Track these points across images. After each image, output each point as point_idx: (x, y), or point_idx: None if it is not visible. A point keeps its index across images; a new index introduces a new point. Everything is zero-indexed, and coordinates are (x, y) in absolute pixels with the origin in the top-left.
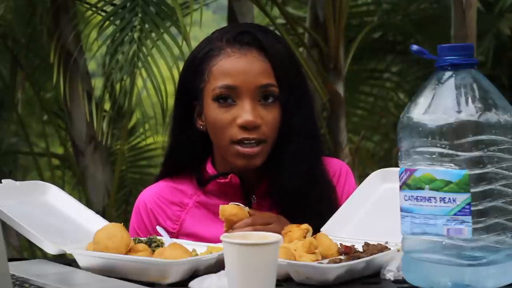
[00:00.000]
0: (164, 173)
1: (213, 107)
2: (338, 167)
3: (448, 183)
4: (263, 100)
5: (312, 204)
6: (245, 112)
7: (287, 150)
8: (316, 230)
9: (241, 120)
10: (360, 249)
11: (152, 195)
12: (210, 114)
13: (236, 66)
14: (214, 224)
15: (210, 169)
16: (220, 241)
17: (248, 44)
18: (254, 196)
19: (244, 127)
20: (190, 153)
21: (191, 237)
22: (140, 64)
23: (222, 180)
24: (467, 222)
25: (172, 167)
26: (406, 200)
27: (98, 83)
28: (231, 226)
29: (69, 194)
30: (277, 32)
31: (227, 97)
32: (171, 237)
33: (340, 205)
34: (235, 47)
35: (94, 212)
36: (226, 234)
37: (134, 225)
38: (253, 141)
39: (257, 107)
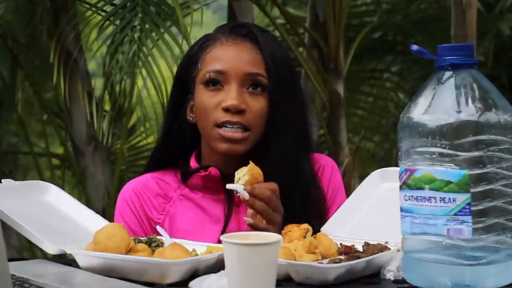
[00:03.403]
0: (151, 165)
1: (202, 91)
2: (323, 162)
3: (448, 183)
4: (251, 88)
5: (297, 200)
6: (230, 96)
7: (272, 143)
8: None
9: (225, 103)
10: (360, 249)
11: (138, 186)
12: (198, 99)
13: (227, 53)
14: (198, 217)
15: (193, 163)
16: (204, 235)
17: (243, 36)
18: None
19: (228, 110)
20: (178, 146)
21: (176, 231)
22: (140, 64)
23: (203, 173)
24: (467, 222)
25: (159, 158)
26: (406, 200)
27: (98, 83)
28: (252, 183)
29: (69, 194)
30: (277, 32)
31: (215, 82)
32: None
33: (327, 201)
34: (229, 37)
35: (94, 212)
36: (226, 234)
37: (120, 213)
38: (236, 126)
39: (243, 94)
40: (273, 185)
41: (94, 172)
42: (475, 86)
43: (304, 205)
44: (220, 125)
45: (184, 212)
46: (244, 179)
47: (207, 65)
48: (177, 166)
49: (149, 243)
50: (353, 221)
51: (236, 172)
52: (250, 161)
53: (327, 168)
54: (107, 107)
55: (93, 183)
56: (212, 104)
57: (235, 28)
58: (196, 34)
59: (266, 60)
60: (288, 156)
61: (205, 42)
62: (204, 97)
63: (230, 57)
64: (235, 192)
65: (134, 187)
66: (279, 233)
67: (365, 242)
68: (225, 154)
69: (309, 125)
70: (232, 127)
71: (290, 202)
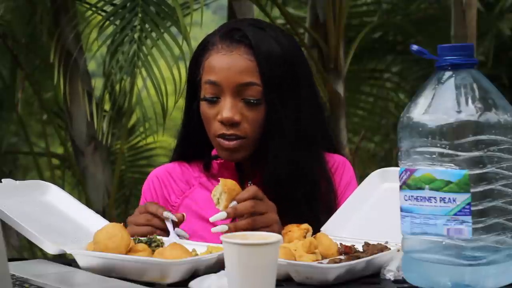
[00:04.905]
0: (175, 157)
1: (202, 102)
2: (336, 160)
3: (448, 183)
4: (246, 98)
5: (302, 199)
6: (225, 108)
7: (269, 146)
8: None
9: (220, 116)
10: (360, 249)
11: (162, 171)
12: (201, 107)
13: (220, 63)
14: (211, 203)
15: (214, 152)
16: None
17: (238, 41)
18: (250, 182)
19: (223, 123)
20: (197, 141)
21: (190, 212)
22: (140, 64)
23: (219, 161)
24: (467, 222)
25: (182, 151)
26: (406, 200)
27: (98, 83)
28: (232, 198)
29: (69, 194)
30: None
31: (212, 93)
32: (172, 210)
33: (338, 197)
34: (225, 43)
35: (94, 212)
36: (227, 234)
37: (143, 192)
38: (232, 137)
39: (238, 104)
40: (251, 191)
41: (94, 172)
42: (475, 86)
43: (308, 204)
44: (218, 136)
45: (200, 198)
46: (223, 198)
47: (206, 73)
48: (199, 157)
49: (149, 243)
50: (353, 221)
51: (212, 195)
52: (220, 179)
53: (339, 165)
54: (107, 107)
55: (93, 183)
56: (211, 115)
57: (231, 31)
58: (196, 34)
59: (260, 65)
60: (288, 157)
61: (206, 45)
62: (204, 107)
63: (222, 67)
64: (249, 184)
65: (158, 173)
66: (281, 228)
67: (365, 242)
68: (227, 161)
69: (317, 122)
70: (229, 138)
71: (294, 202)
